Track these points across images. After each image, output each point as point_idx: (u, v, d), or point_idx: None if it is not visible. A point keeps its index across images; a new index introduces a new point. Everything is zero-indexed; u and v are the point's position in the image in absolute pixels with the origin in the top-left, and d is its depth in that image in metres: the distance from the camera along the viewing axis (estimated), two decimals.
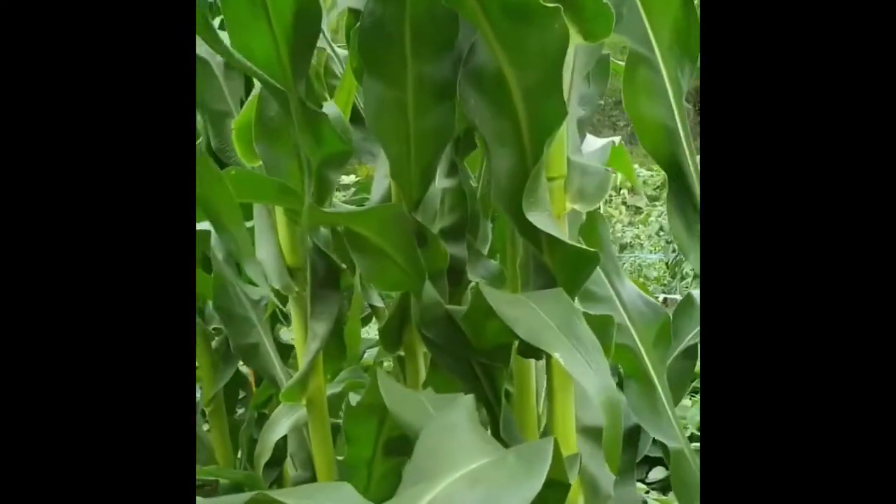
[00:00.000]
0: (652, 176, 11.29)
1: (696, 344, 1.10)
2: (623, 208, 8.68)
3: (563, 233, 0.79)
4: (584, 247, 0.75)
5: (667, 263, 6.02)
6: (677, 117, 0.96)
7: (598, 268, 1.05)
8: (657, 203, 7.34)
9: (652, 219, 6.39)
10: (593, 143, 1.31)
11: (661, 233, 6.28)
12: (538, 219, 0.73)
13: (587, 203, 0.82)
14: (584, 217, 0.93)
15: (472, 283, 1.04)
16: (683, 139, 0.96)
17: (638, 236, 6.88)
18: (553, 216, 0.77)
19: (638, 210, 8.62)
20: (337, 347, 1.10)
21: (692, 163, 0.97)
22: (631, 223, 7.59)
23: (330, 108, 1.24)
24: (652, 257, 6.17)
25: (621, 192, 9.27)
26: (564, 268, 0.77)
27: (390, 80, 0.95)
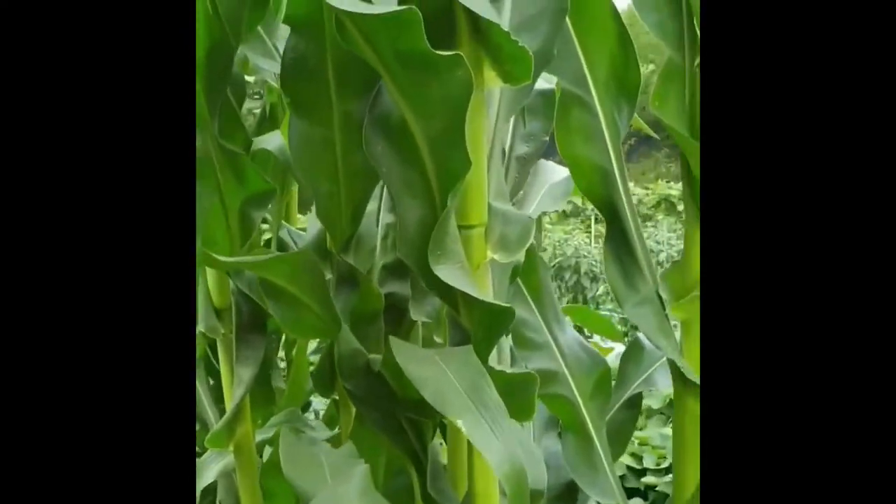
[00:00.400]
0: (647, 195, 11.27)
1: (640, 393, 1.06)
2: None
3: (479, 285, 0.74)
4: (497, 303, 0.71)
5: None
6: (613, 159, 0.92)
7: (536, 313, 1.01)
8: (648, 223, 7.32)
9: None
10: (559, 172, 1.27)
11: (651, 252, 6.25)
12: (447, 273, 0.69)
13: (509, 252, 0.78)
14: (521, 260, 0.89)
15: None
16: (619, 182, 0.92)
17: None
18: (467, 268, 0.73)
19: None
20: (264, 393, 1.06)
21: (628, 206, 0.92)
22: None
23: (275, 139, 1.21)
24: None
25: None
26: (477, 324, 0.73)
27: (316, 117, 0.92)
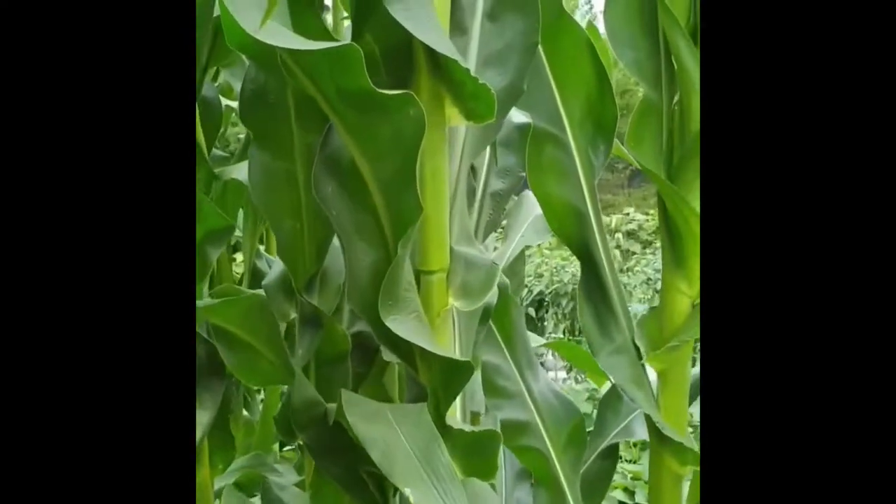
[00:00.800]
0: (647, 220, 11.28)
1: (617, 444, 1.01)
2: (617, 252, 8.59)
3: (438, 336, 0.70)
4: (454, 357, 0.66)
5: None
6: (587, 199, 0.87)
7: (508, 359, 0.96)
8: (647, 250, 7.28)
9: (639, 268, 6.28)
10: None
11: (649, 282, 6.17)
12: (400, 324, 0.65)
13: (471, 300, 0.73)
14: (493, 302, 0.84)
15: None
16: (594, 223, 0.87)
17: (626, 285, 6.77)
18: (423, 318, 0.68)
19: (631, 254, 8.53)
20: (223, 438, 1.01)
21: (603, 248, 0.88)
22: (621, 270, 7.51)
23: (243, 170, 1.17)
24: (639, 308, 6.02)
25: (616, 235, 9.20)
26: (435, 379, 0.68)
27: (278, 150, 0.88)
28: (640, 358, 0.86)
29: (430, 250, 0.72)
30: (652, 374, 0.87)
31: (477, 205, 0.97)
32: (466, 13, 0.79)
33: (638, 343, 0.86)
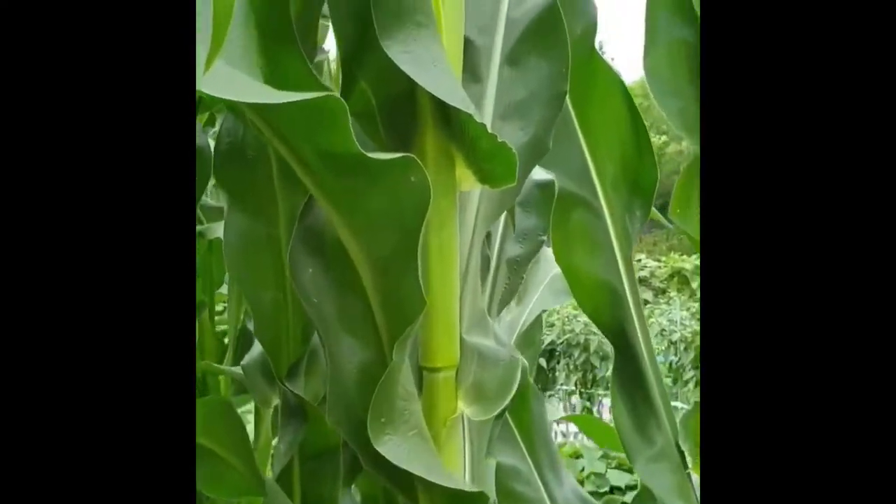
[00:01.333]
0: (660, 267, 11.15)
1: None
2: None
3: (445, 453, 0.56)
4: (465, 489, 0.52)
5: (669, 366, 5.69)
6: (624, 275, 0.74)
7: (527, 459, 0.82)
8: (661, 299, 7.12)
9: (653, 318, 6.09)
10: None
11: (664, 333, 5.98)
12: (395, 448, 0.51)
13: (486, 405, 0.60)
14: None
15: None
16: (631, 302, 0.74)
17: None
18: (426, 435, 0.54)
19: (645, 302, 8.36)
20: None
21: (642, 333, 0.74)
22: None
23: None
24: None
25: None
26: None
27: (257, 212, 0.75)
28: (686, 465, 0.72)
29: (435, 342, 0.58)
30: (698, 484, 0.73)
31: (491, 276, 0.84)
32: (482, 56, 0.67)
33: (682, 446, 0.72)
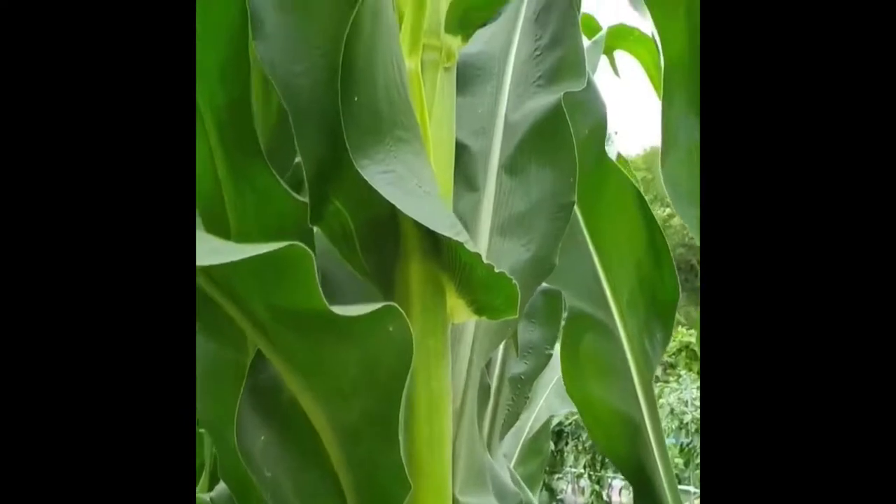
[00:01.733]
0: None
1: None
2: None
3: None
4: None
5: (680, 448, 5.49)
6: (644, 404, 0.65)
7: None
8: (671, 377, 6.96)
9: (662, 398, 5.91)
10: None
11: (674, 413, 5.80)
12: None
13: None
14: None
15: None
16: (652, 436, 0.65)
17: None
18: None
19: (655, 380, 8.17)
20: None
21: (664, 468, 0.65)
22: None
23: None
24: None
25: None
26: None
27: (224, 338, 0.67)
28: None
29: (425, 498, 0.49)
30: None
31: (492, 402, 0.75)
32: (478, 162, 0.59)
33: None
